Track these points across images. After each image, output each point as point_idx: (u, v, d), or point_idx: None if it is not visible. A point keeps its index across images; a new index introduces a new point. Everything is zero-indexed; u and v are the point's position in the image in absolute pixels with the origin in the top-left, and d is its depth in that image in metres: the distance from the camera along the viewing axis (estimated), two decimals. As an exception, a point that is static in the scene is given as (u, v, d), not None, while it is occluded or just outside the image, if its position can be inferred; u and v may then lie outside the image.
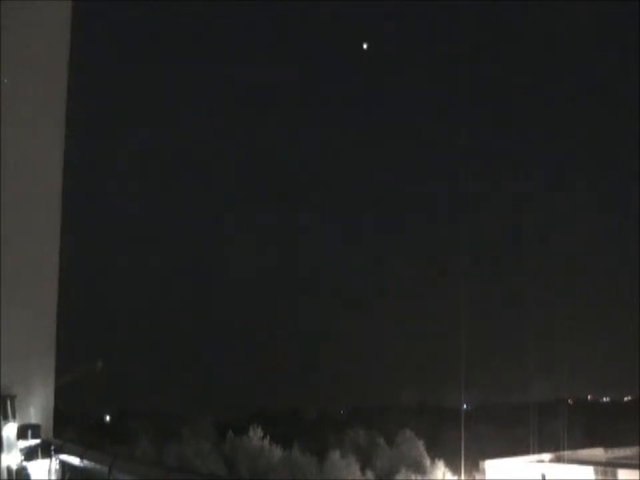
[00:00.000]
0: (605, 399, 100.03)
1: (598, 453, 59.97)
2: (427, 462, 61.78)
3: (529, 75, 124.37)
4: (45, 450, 6.58)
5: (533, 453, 59.74)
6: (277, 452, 59.56)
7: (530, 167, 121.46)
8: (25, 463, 6.54)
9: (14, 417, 6.54)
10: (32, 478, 6.50)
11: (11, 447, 6.47)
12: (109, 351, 77.65)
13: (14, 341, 6.69)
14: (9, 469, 6.45)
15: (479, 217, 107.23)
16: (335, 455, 58.29)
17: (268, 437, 60.22)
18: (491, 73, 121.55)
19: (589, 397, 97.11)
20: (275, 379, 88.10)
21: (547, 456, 59.34)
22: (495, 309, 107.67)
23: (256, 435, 60.20)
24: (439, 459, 61.78)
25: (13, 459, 6.49)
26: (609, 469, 52.77)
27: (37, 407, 6.94)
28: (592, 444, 62.03)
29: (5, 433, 6.45)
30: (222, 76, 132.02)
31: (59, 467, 6.56)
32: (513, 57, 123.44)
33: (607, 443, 61.83)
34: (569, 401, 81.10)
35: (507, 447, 59.95)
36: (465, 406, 71.83)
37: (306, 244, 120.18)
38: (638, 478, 47.53)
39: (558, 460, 58.26)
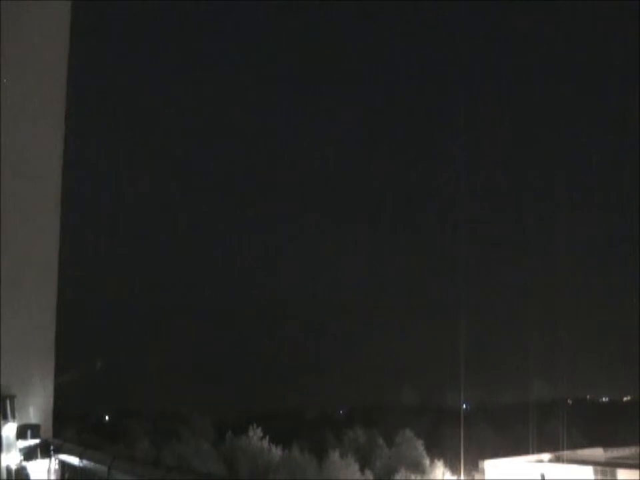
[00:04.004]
0: (604, 399, 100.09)
1: (597, 452, 59.97)
2: (427, 462, 61.84)
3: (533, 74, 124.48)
4: (44, 450, 6.60)
5: (533, 452, 59.76)
6: (277, 452, 59.60)
7: (531, 166, 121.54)
8: (24, 463, 6.55)
9: (13, 416, 6.55)
10: (31, 478, 6.51)
11: (10, 447, 6.48)
12: (109, 351, 77.70)
13: (14, 341, 6.70)
14: (8, 469, 6.46)
15: (480, 216, 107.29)
16: (335, 455, 58.30)
17: (267, 437, 60.24)
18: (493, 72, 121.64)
19: (588, 396, 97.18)
20: (274, 379, 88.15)
21: (546, 456, 59.35)
22: (495, 309, 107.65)
23: (255, 434, 60.23)
24: (439, 459, 61.84)
25: (12, 459, 6.50)
26: (608, 469, 52.76)
27: (37, 406, 6.95)
28: (591, 444, 62.02)
29: (4, 433, 6.46)
30: (223, 75, 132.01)
31: (58, 466, 6.57)
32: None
33: (606, 443, 61.85)
34: (569, 400, 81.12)
35: (506, 446, 59.99)
36: (464, 406, 71.90)
37: (306, 244, 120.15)
38: (637, 478, 47.55)
39: (557, 460, 58.26)
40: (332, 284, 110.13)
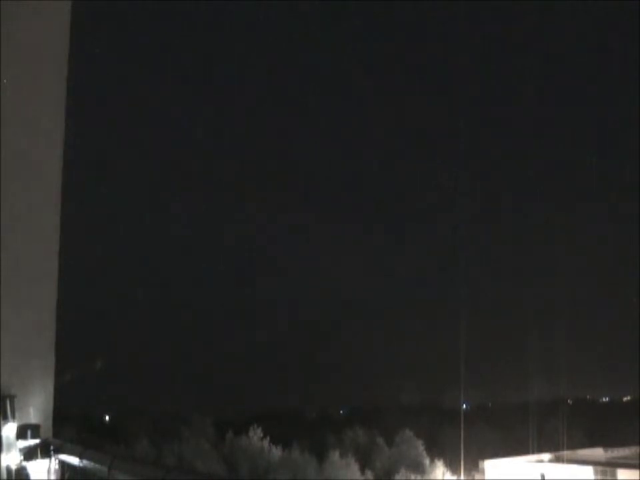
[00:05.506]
0: (604, 399, 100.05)
1: (597, 452, 59.95)
2: (427, 462, 61.81)
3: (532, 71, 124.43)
4: (44, 450, 6.59)
5: (533, 452, 59.75)
6: (277, 452, 59.58)
7: (531, 165, 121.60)
8: (24, 463, 6.55)
9: (13, 417, 6.55)
10: (31, 478, 6.51)
11: (10, 447, 6.47)
12: (109, 351, 77.71)
13: (14, 341, 6.70)
14: (8, 469, 6.46)
15: (480, 215, 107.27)
16: (335, 455, 58.30)
17: (268, 437, 60.24)
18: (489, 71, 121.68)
19: (588, 396, 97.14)
20: (274, 379, 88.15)
21: (546, 456, 59.34)
22: (495, 309, 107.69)
23: (256, 434, 60.23)
24: (439, 459, 61.81)
25: (12, 459, 6.49)
26: (609, 469, 52.76)
27: (37, 407, 6.95)
28: (591, 444, 62.04)
29: (4, 433, 6.46)
30: (222, 74, 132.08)
31: (58, 466, 6.57)
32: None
33: (606, 443, 61.84)
34: (569, 400, 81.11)
35: (506, 446, 59.97)
36: (464, 406, 71.90)
37: (307, 245, 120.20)
38: (637, 478, 47.54)
39: (557, 460, 58.26)
40: (332, 284, 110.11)
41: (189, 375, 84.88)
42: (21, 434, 6.57)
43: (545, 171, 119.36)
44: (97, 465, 5.43)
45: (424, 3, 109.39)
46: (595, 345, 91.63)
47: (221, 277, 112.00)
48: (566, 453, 58.41)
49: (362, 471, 58.66)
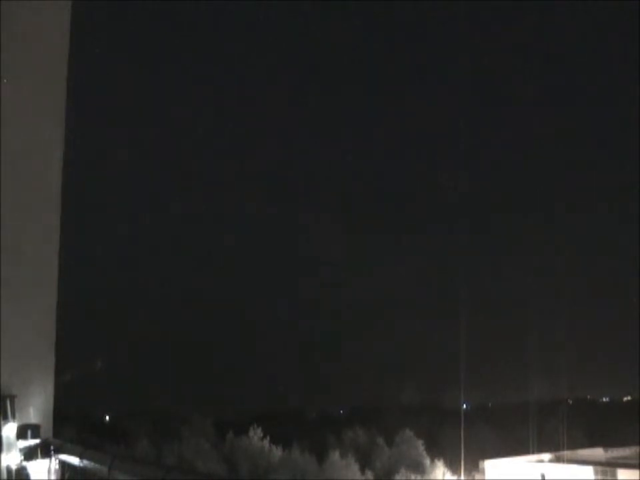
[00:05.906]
0: (604, 399, 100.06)
1: (597, 452, 59.95)
2: (427, 462, 61.81)
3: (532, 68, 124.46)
4: (44, 450, 6.59)
5: (533, 452, 59.75)
6: (277, 452, 59.59)
7: (530, 165, 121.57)
8: (24, 463, 6.55)
9: (14, 416, 6.55)
10: (31, 478, 6.51)
11: (10, 447, 6.47)
12: (109, 351, 77.68)
13: (14, 341, 6.70)
14: (8, 469, 6.45)
15: (481, 216, 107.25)
16: (335, 455, 58.30)
17: (268, 437, 60.25)
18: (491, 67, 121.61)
19: (588, 396, 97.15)
20: (274, 380, 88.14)
21: (546, 456, 59.33)
22: (495, 309, 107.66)
23: (256, 434, 60.24)
24: (439, 459, 61.82)
25: (12, 459, 6.49)
26: (609, 469, 52.74)
27: (37, 407, 6.94)
28: (591, 444, 62.04)
29: (4, 433, 6.46)
30: (221, 73, 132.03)
31: (59, 466, 6.57)
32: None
33: (606, 443, 61.84)
34: (569, 400, 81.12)
35: (506, 446, 59.97)
36: (464, 406, 71.89)
37: (305, 243, 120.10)
38: (638, 478, 47.53)
39: (557, 460, 58.25)
40: (332, 284, 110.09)
41: (189, 374, 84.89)
42: (21, 434, 6.57)
43: (545, 171, 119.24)
44: (97, 465, 5.43)
45: (424, 3, 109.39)
46: (595, 345, 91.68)
47: (220, 277, 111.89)
48: (566, 453, 58.40)
49: (362, 471, 58.66)
